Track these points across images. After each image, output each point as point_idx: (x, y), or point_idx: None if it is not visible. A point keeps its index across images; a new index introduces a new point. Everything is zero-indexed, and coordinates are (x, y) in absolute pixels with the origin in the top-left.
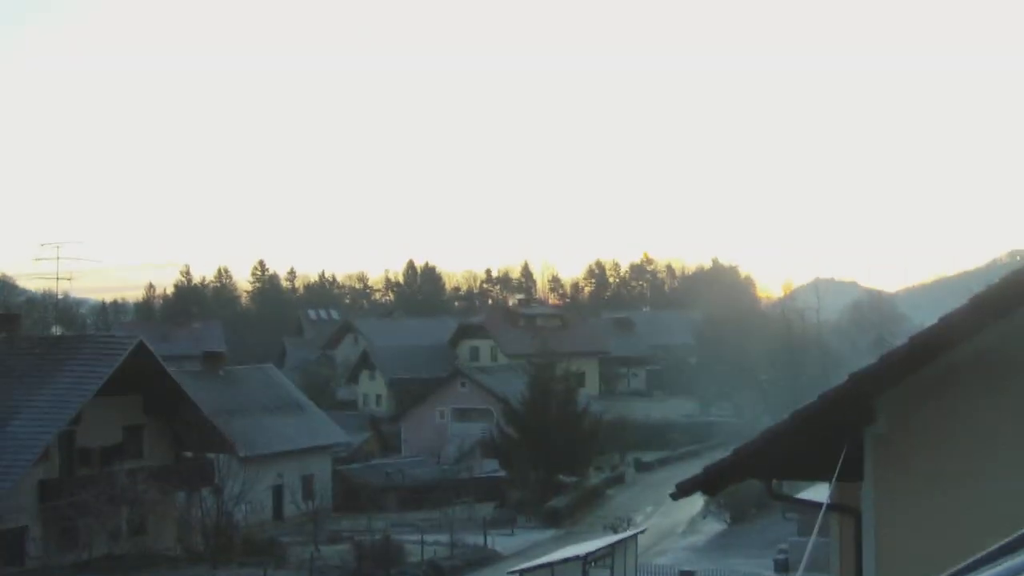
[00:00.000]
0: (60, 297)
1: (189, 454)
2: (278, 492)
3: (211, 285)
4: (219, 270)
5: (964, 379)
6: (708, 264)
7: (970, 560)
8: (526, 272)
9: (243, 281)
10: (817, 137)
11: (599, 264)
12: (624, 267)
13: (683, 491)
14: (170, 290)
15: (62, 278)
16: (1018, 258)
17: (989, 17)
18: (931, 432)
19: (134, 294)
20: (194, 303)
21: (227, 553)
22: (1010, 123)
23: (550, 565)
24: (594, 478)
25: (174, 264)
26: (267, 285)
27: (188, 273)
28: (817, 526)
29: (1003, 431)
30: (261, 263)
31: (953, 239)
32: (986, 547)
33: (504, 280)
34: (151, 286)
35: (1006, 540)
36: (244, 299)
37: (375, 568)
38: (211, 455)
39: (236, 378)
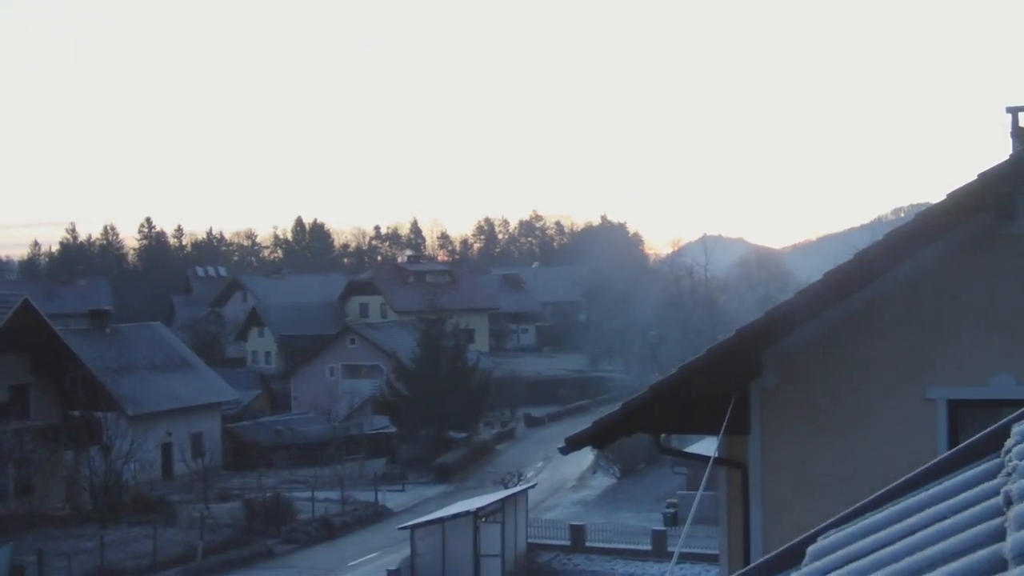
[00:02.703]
0: None
1: (76, 413)
2: (167, 450)
3: (97, 243)
4: (105, 228)
5: (848, 333)
6: (597, 221)
7: (852, 508)
8: (415, 229)
9: (130, 239)
10: (706, 96)
11: (488, 221)
12: (513, 224)
13: (572, 445)
14: (56, 248)
15: None
16: (902, 215)
17: None
18: (816, 385)
19: (19, 252)
20: (80, 261)
21: (116, 512)
22: (895, 84)
23: (441, 521)
24: (484, 434)
25: (59, 222)
26: (154, 243)
27: (74, 231)
28: (704, 480)
29: (886, 383)
30: (148, 220)
31: (839, 197)
32: (869, 496)
33: (393, 237)
34: (36, 244)
35: (887, 488)
36: (131, 257)
37: (265, 525)
38: (99, 414)
39: (123, 336)
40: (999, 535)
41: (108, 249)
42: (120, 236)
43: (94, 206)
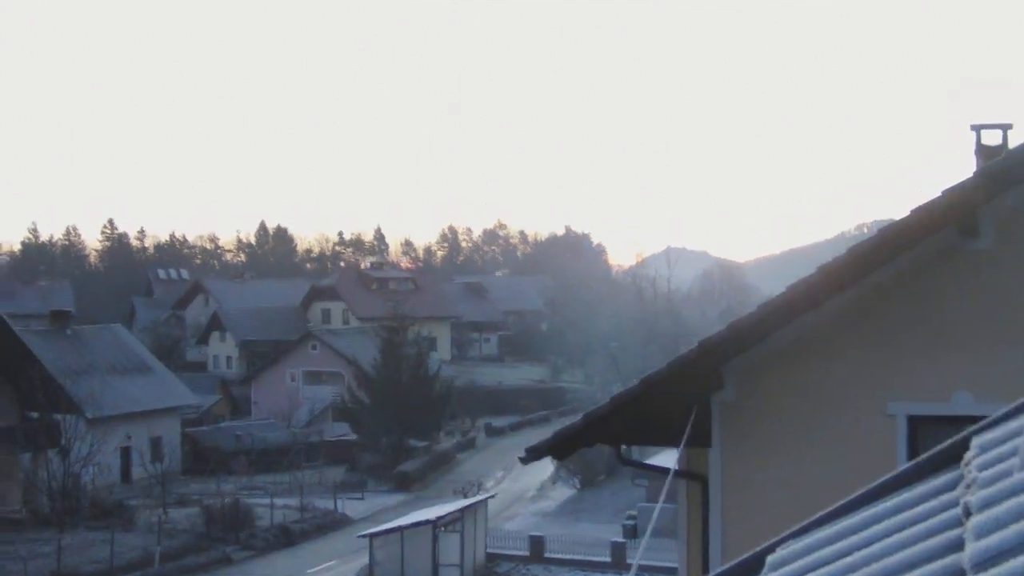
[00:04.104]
0: None
1: (35, 414)
2: (126, 454)
3: (59, 243)
4: (68, 228)
5: (810, 347)
6: (561, 231)
7: (812, 519)
8: (379, 236)
9: (92, 240)
10: (672, 109)
11: (452, 229)
12: (477, 233)
13: (533, 455)
14: (17, 248)
15: None
16: (865, 231)
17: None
18: (777, 399)
19: None
20: (42, 261)
21: (73, 516)
22: (861, 101)
23: (400, 529)
24: (445, 442)
25: (21, 222)
26: (116, 244)
27: (36, 231)
28: (664, 492)
29: (847, 397)
30: (111, 222)
31: (803, 212)
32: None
33: (357, 243)
34: None
35: (847, 499)
36: (93, 258)
37: (224, 531)
38: (58, 416)
39: (84, 338)
40: (958, 545)
41: (70, 250)
42: (82, 237)
43: (56, 206)
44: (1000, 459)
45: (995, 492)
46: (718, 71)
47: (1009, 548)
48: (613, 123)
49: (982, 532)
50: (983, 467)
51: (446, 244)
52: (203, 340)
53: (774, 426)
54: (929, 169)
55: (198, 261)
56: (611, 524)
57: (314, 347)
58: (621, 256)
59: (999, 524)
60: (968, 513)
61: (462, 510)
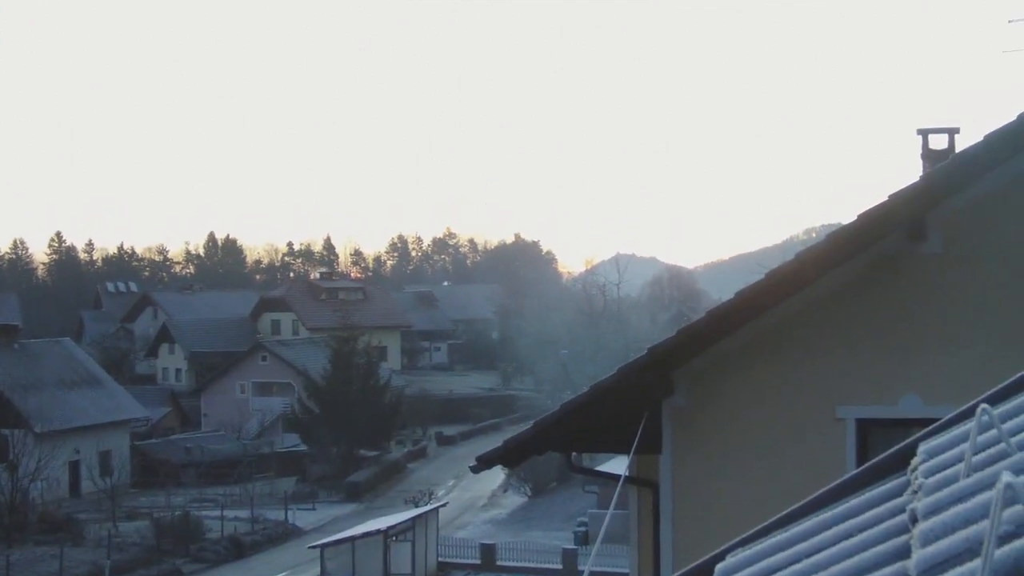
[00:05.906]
0: None
1: None
2: (75, 468)
3: (6, 257)
4: (14, 242)
5: (760, 352)
6: (511, 239)
7: (761, 526)
8: (328, 246)
9: (40, 253)
10: (620, 116)
11: (401, 238)
12: (427, 241)
13: (484, 464)
14: None
15: None
16: (813, 235)
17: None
18: (728, 404)
19: None
20: None
21: (22, 531)
22: (807, 104)
23: (351, 539)
24: (395, 452)
25: None
26: (64, 257)
27: None
28: (615, 498)
29: (796, 402)
30: (58, 235)
31: (752, 217)
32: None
33: (306, 253)
34: None
35: (795, 506)
36: (41, 271)
37: (174, 544)
38: (5, 431)
39: (32, 352)
40: (905, 552)
41: (17, 263)
42: (30, 250)
43: (3, 219)
44: (946, 465)
45: (941, 498)
46: (663, 75)
47: (954, 555)
48: (560, 130)
49: (928, 539)
50: (929, 473)
51: (396, 253)
52: (152, 353)
53: (724, 431)
54: (877, 174)
55: (147, 274)
56: (562, 531)
57: (264, 358)
58: (571, 263)
59: (944, 531)
60: (914, 520)
61: (413, 519)
